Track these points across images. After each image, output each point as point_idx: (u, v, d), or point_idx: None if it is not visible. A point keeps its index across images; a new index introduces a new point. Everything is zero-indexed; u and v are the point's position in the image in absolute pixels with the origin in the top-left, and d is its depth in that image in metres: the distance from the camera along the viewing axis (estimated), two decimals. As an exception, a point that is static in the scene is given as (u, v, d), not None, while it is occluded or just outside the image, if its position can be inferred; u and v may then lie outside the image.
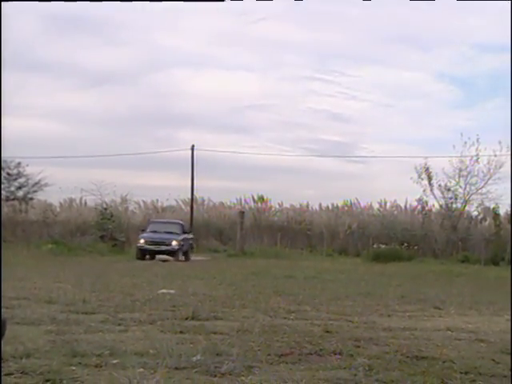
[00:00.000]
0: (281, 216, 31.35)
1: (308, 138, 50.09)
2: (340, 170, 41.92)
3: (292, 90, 47.58)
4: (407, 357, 4.65)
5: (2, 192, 29.29)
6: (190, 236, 25.15)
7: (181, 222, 25.54)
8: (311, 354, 4.58)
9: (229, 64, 49.34)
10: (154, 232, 23.48)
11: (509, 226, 26.02)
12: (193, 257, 23.94)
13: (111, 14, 43.01)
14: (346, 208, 30.92)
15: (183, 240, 23.50)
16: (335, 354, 4.60)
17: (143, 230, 24.07)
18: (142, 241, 22.90)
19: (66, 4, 4.54)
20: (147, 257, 22.80)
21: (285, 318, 6.65)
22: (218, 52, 48.02)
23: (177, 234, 23.56)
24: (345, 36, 47.40)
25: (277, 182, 40.62)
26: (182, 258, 22.70)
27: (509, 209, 26.79)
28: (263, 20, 44.76)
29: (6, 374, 3.61)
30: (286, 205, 31.82)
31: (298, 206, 31.71)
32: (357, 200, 30.91)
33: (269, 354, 4.44)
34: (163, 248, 22.59)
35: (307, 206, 31.79)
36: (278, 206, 31.77)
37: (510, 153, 25.38)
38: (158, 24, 46.99)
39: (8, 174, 29.74)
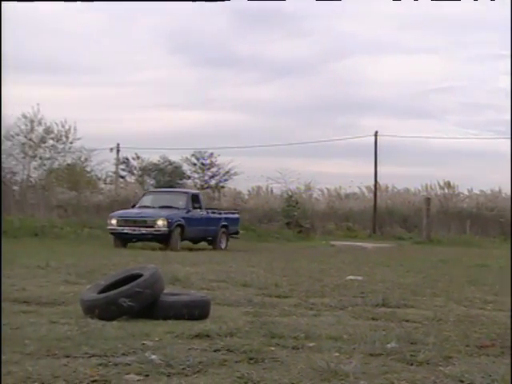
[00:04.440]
0: (470, 202, 29.84)
1: (497, 119, 47.03)
2: (537, 152, 38.67)
3: (479, 69, 44.96)
4: None
5: (197, 181, 31.47)
6: (219, 214, 17.68)
7: (192, 192, 18.11)
8: (514, 348, 4.32)
9: (412, 47, 47.90)
10: (144, 207, 16.48)
11: None
12: (371, 243, 21.46)
13: (294, 6, 43.82)
14: (544, 193, 28.53)
15: (188, 219, 16.03)
16: (543, 349, 4.29)
17: (132, 206, 17.20)
18: (113, 221, 15.90)
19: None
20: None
21: (481, 309, 6.34)
22: (399, 35, 46.83)
23: (177, 209, 16.18)
24: (540, 5, 43.41)
25: (464, 167, 38.72)
26: (176, 245, 15.57)
27: None
28: (447, -2, 42.62)
29: (214, 351, 3.90)
30: (476, 191, 30.26)
31: (489, 192, 29.96)
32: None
33: (467, 345, 4.27)
34: (143, 231, 15.49)
35: (499, 191, 29.90)
36: (466, 192, 30.31)
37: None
38: (339, 11, 46.99)
39: (202, 164, 31.89)
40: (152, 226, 15.51)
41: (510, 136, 24.16)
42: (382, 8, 44.41)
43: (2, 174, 22.78)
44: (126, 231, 15.64)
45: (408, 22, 46.02)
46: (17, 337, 4.12)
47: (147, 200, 17.06)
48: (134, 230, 15.56)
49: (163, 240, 15.55)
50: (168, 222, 15.50)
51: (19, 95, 36.65)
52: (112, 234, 16.00)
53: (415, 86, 48.90)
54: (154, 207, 16.45)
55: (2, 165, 22.63)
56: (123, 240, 15.80)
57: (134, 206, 17.11)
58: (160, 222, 15.47)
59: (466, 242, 23.11)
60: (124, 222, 15.84)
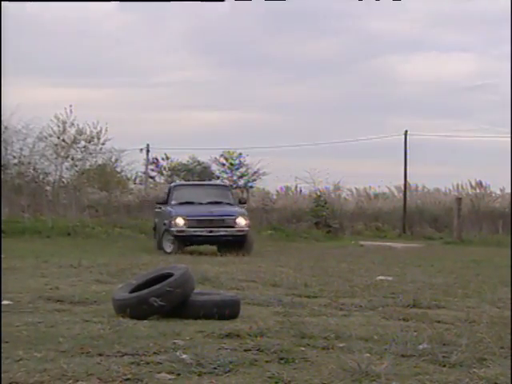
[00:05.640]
0: (502, 202, 29.38)
1: (532, 117, 46.04)
2: None
3: (512, 66, 44.14)
4: None
5: (226, 181, 31.62)
6: None
7: (227, 185, 16.34)
8: (553, 351, 4.23)
9: (443, 45, 47.39)
10: (187, 204, 13.40)
11: None
12: (401, 244, 20.98)
13: (324, 5, 43.70)
14: None
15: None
16: None
17: (161, 203, 14.04)
18: (179, 221, 12.83)
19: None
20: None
21: (515, 311, 6.24)
22: (431, 33, 46.36)
23: (229, 204, 13.58)
24: None
25: (496, 166, 38.05)
26: (251, 248, 13.23)
27: None
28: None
29: (244, 350, 3.91)
30: (508, 190, 29.75)
31: (523, 191, 29.44)
32: None
33: (502, 347, 4.20)
34: (222, 232, 12.87)
35: (533, 190, 29.37)
36: (498, 192, 29.86)
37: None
38: (370, 10, 46.70)
39: (231, 164, 32.04)
40: (232, 226, 12.87)
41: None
42: (413, 5, 44.05)
43: (35, 174, 23.17)
44: (198, 233, 12.77)
45: (439, 19, 45.60)
46: (51, 335, 4.19)
47: (183, 195, 13.81)
48: (211, 232, 12.77)
49: (242, 242, 12.87)
50: (248, 222, 13.04)
51: (53, 97, 37.21)
52: (176, 236, 12.80)
53: (447, 84, 48.41)
54: (201, 203, 13.43)
55: (36, 166, 23.03)
56: (185, 242, 12.96)
57: (164, 203, 13.78)
58: (242, 221, 12.91)
59: (498, 242, 22.74)
60: (196, 222, 12.86)
